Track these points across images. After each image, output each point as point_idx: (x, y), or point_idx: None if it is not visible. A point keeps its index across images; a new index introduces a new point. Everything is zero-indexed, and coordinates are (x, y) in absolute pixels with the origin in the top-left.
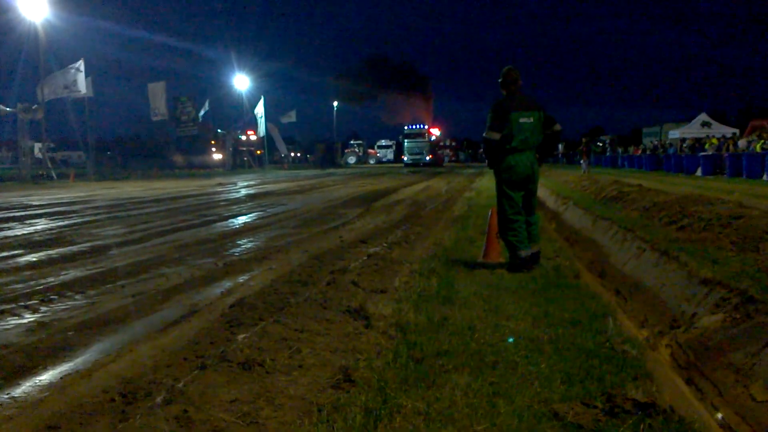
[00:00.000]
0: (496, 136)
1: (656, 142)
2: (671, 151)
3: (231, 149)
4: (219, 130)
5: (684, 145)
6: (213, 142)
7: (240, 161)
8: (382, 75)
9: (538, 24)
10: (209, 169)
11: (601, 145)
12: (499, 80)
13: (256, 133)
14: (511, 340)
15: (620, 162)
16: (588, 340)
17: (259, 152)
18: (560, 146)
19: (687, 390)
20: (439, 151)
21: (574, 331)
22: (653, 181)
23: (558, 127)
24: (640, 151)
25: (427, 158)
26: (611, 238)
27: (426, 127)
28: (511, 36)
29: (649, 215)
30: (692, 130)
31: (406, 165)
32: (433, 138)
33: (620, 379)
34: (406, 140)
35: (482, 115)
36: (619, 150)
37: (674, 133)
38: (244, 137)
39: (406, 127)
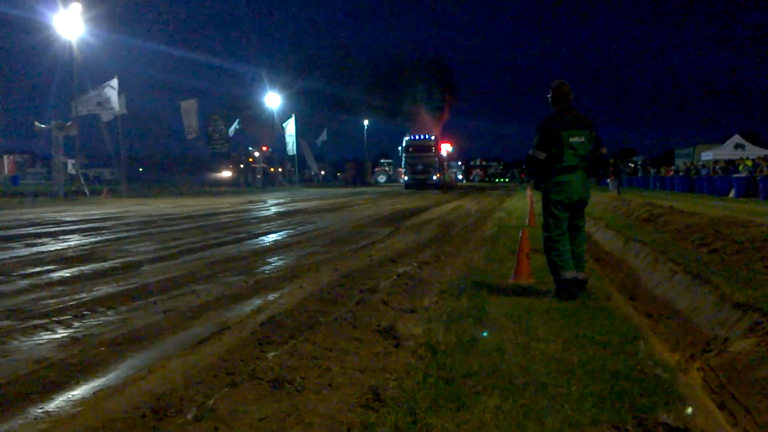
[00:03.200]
0: (542, 155)
1: (689, 164)
2: (704, 172)
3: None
4: (249, 148)
5: (717, 167)
6: (248, 159)
7: (252, 178)
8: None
9: (572, 44)
10: (240, 187)
11: (632, 165)
12: (549, 96)
13: (269, 148)
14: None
15: (652, 183)
16: (619, 363)
17: (272, 169)
18: None
19: (719, 415)
20: (451, 171)
21: (604, 354)
22: (685, 203)
23: (604, 150)
24: (672, 173)
25: (434, 177)
26: (642, 260)
27: (434, 138)
28: (544, 56)
29: (681, 237)
30: (725, 151)
31: (407, 186)
32: (444, 153)
33: (652, 402)
34: (405, 154)
35: (512, 134)
36: (651, 171)
37: (707, 155)
38: (257, 153)
39: (407, 137)
